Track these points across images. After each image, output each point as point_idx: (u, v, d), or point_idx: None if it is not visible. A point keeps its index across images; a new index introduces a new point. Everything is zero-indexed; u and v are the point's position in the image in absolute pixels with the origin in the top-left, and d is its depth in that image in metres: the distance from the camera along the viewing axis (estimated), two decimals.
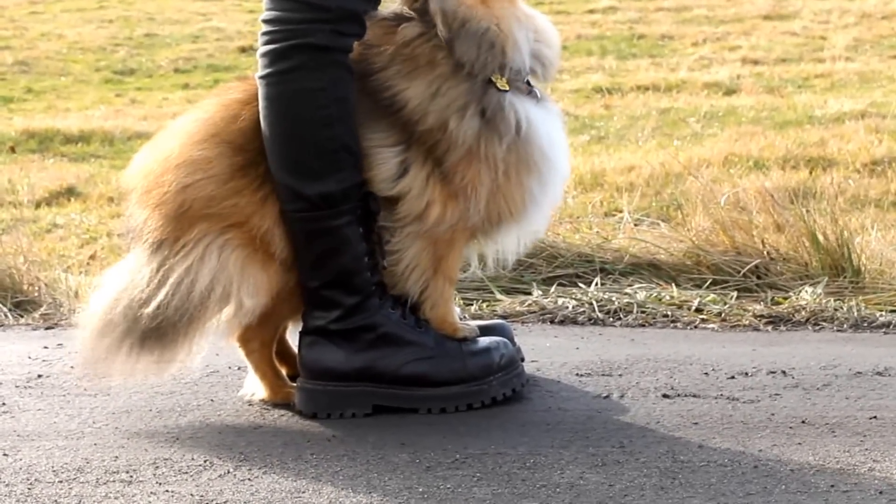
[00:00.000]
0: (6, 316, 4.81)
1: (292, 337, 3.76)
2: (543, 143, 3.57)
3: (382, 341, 3.57)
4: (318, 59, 3.49)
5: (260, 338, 3.67)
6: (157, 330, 3.51)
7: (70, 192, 8.76)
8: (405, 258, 3.59)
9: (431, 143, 3.52)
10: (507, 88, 3.54)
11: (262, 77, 3.54)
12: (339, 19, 3.49)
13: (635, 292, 4.67)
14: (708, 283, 4.80)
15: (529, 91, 3.59)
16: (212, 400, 3.76)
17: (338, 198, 3.51)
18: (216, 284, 3.51)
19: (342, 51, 3.51)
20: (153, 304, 3.50)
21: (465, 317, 4.01)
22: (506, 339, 3.69)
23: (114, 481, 3.21)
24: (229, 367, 3.97)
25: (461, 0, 3.52)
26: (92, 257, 6.48)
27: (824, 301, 4.53)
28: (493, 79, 3.53)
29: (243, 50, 15.21)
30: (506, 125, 3.52)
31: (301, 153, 3.51)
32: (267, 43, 3.54)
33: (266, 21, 3.55)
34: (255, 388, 3.73)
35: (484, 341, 3.65)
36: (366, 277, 3.57)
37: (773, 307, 4.53)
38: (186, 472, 3.25)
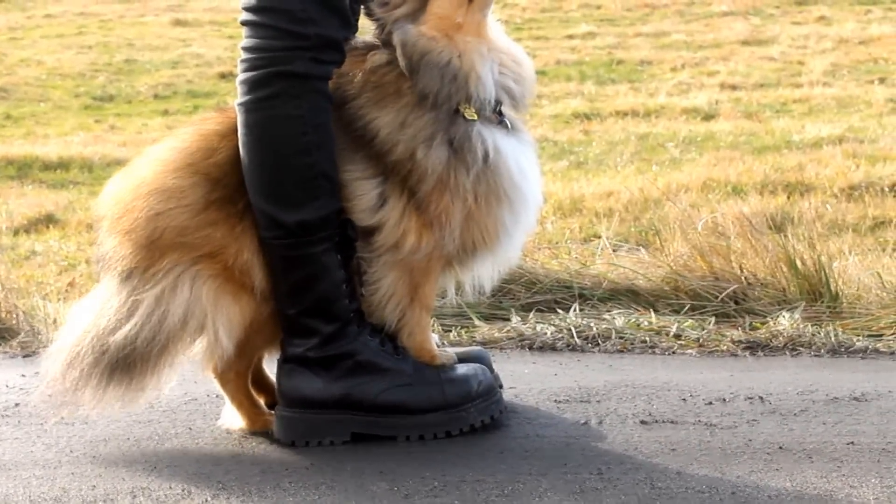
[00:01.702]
0: None
1: (269, 366, 3.76)
2: (513, 173, 3.58)
3: (360, 369, 3.57)
4: (297, 86, 3.50)
5: (235, 368, 3.66)
6: (126, 361, 3.50)
7: (49, 219, 8.74)
8: (382, 287, 3.59)
9: (404, 172, 3.53)
10: (476, 118, 3.55)
11: (241, 104, 3.54)
12: (318, 47, 3.50)
13: (613, 318, 4.68)
14: (686, 308, 4.80)
15: (500, 121, 3.60)
16: (190, 428, 3.75)
17: (315, 225, 3.52)
18: (189, 316, 3.50)
19: (321, 78, 3.52)
20: (121, 335, 3.49)
21: (443, 344, 4.02)
22: (484, 367, 3.69)
23: None
24: (207, 396, 3.96)
25: (422, 32, 3.54)
26: (70, 284, 6.46)
27: (802, 326, 4.54)
28: (461, 108, 3.54)
29: (223, 76, 15.24)
30: (473, 155, 3.53)
31: (279, 180, 3.51)
32: (246, 70, 3.55)
33: (245, 49, 3.55)
34: (232, 417, 3.72)
35: (462, 368, 3.65)
36: (344, 305, 3.57)
37: (751, 333, 4.54)
38: (164, 502, 3.24)
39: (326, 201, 3.52)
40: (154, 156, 3.63)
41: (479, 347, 4.14)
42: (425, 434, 3.57)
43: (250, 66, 3.53)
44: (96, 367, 3.51)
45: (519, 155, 3.62)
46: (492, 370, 3.77)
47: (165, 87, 14.85)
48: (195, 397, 3.98)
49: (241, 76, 3.56)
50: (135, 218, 3.53)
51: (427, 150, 3.52)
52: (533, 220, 3.73)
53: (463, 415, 3.60)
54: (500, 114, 3.61)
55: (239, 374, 3.68)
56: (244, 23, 3.56)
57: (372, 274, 3.58)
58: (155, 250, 3.51)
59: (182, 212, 3.52)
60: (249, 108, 3.53)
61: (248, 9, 3.55)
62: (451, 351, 3.76)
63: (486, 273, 3.76)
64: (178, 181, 3.54)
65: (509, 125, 3.62)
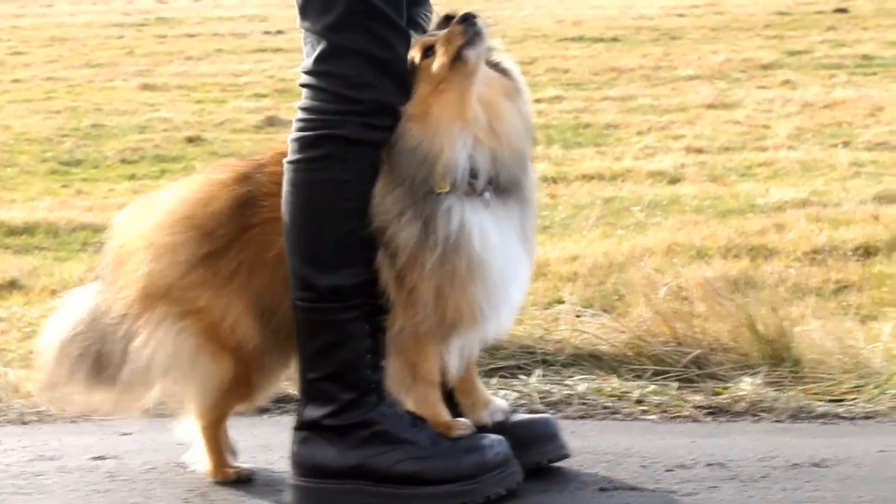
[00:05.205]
0: None
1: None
2: (476, 250, 3.48)
3: (376, 439, 3.53)
4: (347, 151, 3.50)
5: (209, 417, 3.75)
6: (128, 382, 3.66)
7: (12, 285, 8.68)
8: (389, 367, 3.57)
9: (384, 244, 3.51)
10: (447, 189, 3.48)
11: (290, 162, 3.55)
12: (371, 112, 3.49)
13: (576, 384, 4.67)
14: (649, 373, 4.80)
15: (480, 193, 3.51)
16: (149, 497, 3.72)
17: (348, 292, 3.50)
18: (170, 370, 3.60)
19: (372, 144, 3.50)
20: (114, 362, 3.64)
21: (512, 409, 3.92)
22: (502, 438, 3.62)
23: None
24: (167, 464, 3.94)
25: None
26: (33, 352, 6.40)
27: (763, 391, 4.55)
28: (432, 183, 3.48)
29: (190, 140, 15.19)
30: (438, 233, 3.46)
31: (318, 243, 3.51)
32: (299, 130, 3.55)
33: (301, 108, 3.57)
34: (201, 460, 3.83)
35: (479, 439, 3.60)
36: (365, 374, 3.54)
37: (713, 398, 4.55)
38: None
39: (361, 269, 3.51)
40: (162, 203, 3.72)
41: (545, 415, 4.03)
42: None
43: (303, 126, 3.55)
44: (84, 367, 3.70)
45: (489, 231, 3.52)
46: (558, 439, 3.77)
47: (133, 152, 14.81)
48: (155, 466, 3.95)
49: (294, 135, 3.57)
50: (132, 270, 3.64)
51: (397, 225, 3.48)
52: (516, 295, 3.63)
53: (479, 486, 3.54)
54: (476, 185, 3.51)
55: (213, 424, 3.75)
56: (302, 85, 3.57)
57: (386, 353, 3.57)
58: (147, 301, 3.62)
59: (173, 269, 3.61)
60: (298, 167, 3.54)
61: (306, 72, 3.56)
62: (472, 419, 3.70)
63: (474, 346, 3.73)
64: (171, 237, 3.62)
65: (488, 198, 3.53)
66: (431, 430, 3.58)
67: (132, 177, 13.64)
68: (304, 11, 3.55)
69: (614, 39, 24.13)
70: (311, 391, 3.57)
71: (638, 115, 16.27)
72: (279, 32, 26.08)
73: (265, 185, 3.64)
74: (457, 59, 3.50)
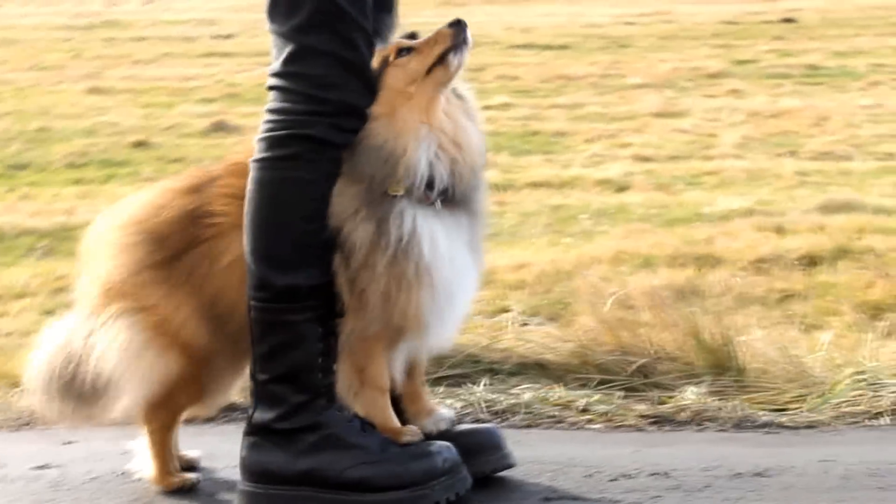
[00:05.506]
0: None
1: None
2: (425, 257, 3.50)
3: (326, 443, 3.54)
4: (314, 152, 3.50)
5: (160, 419, 3.75)
6: (93, 389, 3.68)
7: None
8: (339, 372, 3.57)
9: (339, 245, 3.51)
10: (400, 192, 3.50)
11: (256, 160, 3.55)
12: (339, 113, 3.50)
13: (521, 393, 4.69)
14: (595, 382, 4.82)
15: (434, 201, 3.52)
16: None
17: (304, 293, 3.50)
18: (120, 363, 3.61)
19: (339, 147, 3.51)
20: (82, 365, 3.66)
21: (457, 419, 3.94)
22: (450, 444, 3.62)
23: None
24: (112, 473, 3.92)
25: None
26: None
27: (707, 401, 4.58)
28: (389, 182, 3.49)
29: (138, 145, 15.12)
30: (389, 236, 3.48)
31: (278, 242, 3.51)
32: (267, 130, 3.55)
33: (269, 111, 3.57)
34: (145, 466, 3.81)
35: (428, 445, 3.61)
36: (316, 377, 3.54)
37: (658, 407, 4.57)
38: None
39: (319, 272, 3.51)
40: (126, 206, 3.77)
41: (489, 425, 4.09)
42: None
43: (271, 126, 3.55)
44: (66, 390, 3.71)
45: (438, 239, 3.53)
46: (502, 448, 3.77)
47: (79, 156, 14.72)
48: (99, 475, 3.94)
49: (261, 135, 3.57)
50: (94, 265, 3.70)
51: (352, 224, 3.49)
52: (462, 305, 3.65)
53: (427, 492, 3.55)
54: (430, 194, 3.53)
55: (163, 426, 3.75)
56: (270, 87, 3.58)
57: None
58: (106, 297, 3.66)
59: (129, 268, 3.65)
60: (264, 165, 3.54)
61: (274, 74, 3.57)
62: (417, 427, 3.71)
63: (421, 353, 3.74)
64: (127, 238, 3.67)
65: (438, 207, 3.54)
66: (381, 436, 3.59)
67: (78, 181, 13.57)
68: (272, 14, 3.56)
69: (563, 47, 24.23)
70: (261, 393, 3.57)
71: (586, 122, 16.33)
72: (229, 36, 26.00)
73: (216, 199, 3.65)
74: (439, 62, 3.54)
